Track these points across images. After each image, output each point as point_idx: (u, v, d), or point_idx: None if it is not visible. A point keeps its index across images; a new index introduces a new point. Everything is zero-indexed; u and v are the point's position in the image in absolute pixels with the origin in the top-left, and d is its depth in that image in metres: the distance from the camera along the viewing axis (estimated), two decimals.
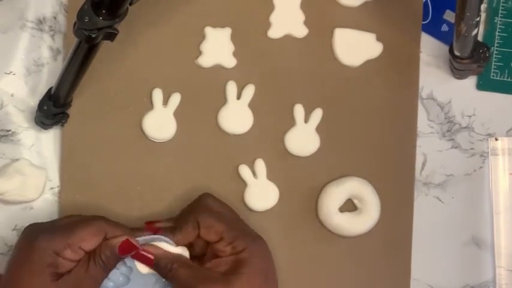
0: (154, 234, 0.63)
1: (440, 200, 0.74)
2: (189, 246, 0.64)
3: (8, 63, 0.71)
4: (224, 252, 0.62)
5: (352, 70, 0.73)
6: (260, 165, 0.71)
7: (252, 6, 0.73)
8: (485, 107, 0.74)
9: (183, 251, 0.63)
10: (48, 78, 0.71)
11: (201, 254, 0.65)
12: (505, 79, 0.74)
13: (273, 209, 0.71)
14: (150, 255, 0.61)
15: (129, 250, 0.61)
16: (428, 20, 0.74)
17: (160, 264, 0.61)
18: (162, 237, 0.62)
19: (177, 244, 0.63)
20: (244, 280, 0.61)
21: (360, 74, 0.73)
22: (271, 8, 0.73)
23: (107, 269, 0.61)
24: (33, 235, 0.61)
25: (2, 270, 0.68)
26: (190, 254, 0.64)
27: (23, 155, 0.70)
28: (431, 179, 0.74)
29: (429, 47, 0.74)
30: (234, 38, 0.72)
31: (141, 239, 0.62)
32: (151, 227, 0.64)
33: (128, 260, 0.62)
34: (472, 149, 0.74)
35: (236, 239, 0.62)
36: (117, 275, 0.62)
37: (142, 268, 0.62)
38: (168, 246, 0.62)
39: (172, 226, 0.64)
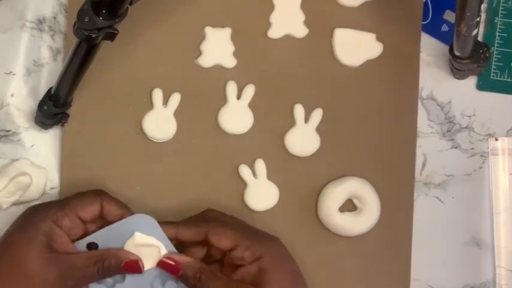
0: None
1: (440, 200, 0.74)
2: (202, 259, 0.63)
3: (8, 63, 0.71)
4: (243, 259, 0.61)
5: (352, 70, 0.73)
6: (260, 165, 0.71)
7: (252, 6, 0.73)
8: (485, 107, 0.74)
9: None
10: (48, 78, 0.71)
11: (219, 260, 0.64)
12: (505, 79, 0.74)
13: (273, 209, 0.71)
14: (177, 265, 0.60)
15: (133, 271, 0.60)
16: (428, 20, 0.74)
17: (188, 274, 0.60)
18: (142, 215, 0.62)
19: (177, 237, 0.62)
20: (275, 286, 0.60)
21: (360, 74, 0.73)
22: (271, 8, 0.73)
23: (103, 275, 0.60)
24: (34, 207, 0.62)
25: None
26: (211, 261, 0.63)
27: (23, 155, 0.70)
28: (431, 179, 0.74)
29: (429, 47, 0.74)
30: (234, 38, 0.72)
31: (120, 222, 0.62)
32: None
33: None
34: (472, 149, 0.74)
35: (252, 243, 0.61)
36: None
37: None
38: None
39: (176, 222, 0.63)
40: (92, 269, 0.60)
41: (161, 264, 0.60)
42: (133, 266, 0.60)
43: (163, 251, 0.61)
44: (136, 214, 0.62)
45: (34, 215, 0.61)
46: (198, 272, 0.60)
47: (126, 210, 0.63)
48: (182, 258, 0.60)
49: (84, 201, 0.62)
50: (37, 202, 0.70)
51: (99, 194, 0.62)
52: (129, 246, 0.61)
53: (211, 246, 0.63)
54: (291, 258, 0.63)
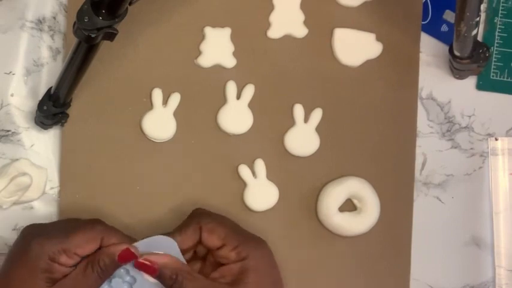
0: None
1: (440, 200, 0.74)
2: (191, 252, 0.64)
3: (8, 63, 0.71)
4: (228, 258, 0.61)
5: (352, 70, 0.73)
6: (260, 165, 0.71)
7: (252, 6, 0.73)
8: (485, 107, 0.74)
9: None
10: (48, 78, 0.71)
11: (202, 258, 0.64)
12: (505, 79, 0.74)
13: (273, 209, 0.71)
14: (153, 265, 0.60)
15: (129, 259, 0.60)
16: (428, 20, 0.74)
17: (165, 275, 0.60)
18: (163, 237, 0.62)
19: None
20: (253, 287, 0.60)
21: (360, 74, 0.73)
22: (271, 8, 0.73)
23: (104, 276, 0.60)
24: (29, 238, 0.60)
25: None
26: (193, 258, 0.63)
27: (23, 155, 0.70)
28: (431, 179, 0.74)
29: (429, 47, 0.74)
30: (234, 38, 0.72)
31: (140, 242, 0.61)
32: None
33: (131, 270, 0.62)
34: (472, 149, 0.74)
35: (240, 244, 0.61)
36: (120, 284, 0.62)
37: (151, 277, 0.61)
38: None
39: (172, 231, 0.63)
40: (93, 275, 0.60)
41: (138, 265, 0.60)
42: (127, 255, 0.60)
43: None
44: (159, 236, 0.62)
45: (31, 250, 0.59)
46: (174, 273, 0.59)
47: (128, 241, 0.62)
48: (160, 259, 0.60)
49: (82, 240, 0.60)
50: (37, 202, 0.70)
51: (100, 231, 0.61)
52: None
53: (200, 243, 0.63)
54: (275, 264, 0.63)
